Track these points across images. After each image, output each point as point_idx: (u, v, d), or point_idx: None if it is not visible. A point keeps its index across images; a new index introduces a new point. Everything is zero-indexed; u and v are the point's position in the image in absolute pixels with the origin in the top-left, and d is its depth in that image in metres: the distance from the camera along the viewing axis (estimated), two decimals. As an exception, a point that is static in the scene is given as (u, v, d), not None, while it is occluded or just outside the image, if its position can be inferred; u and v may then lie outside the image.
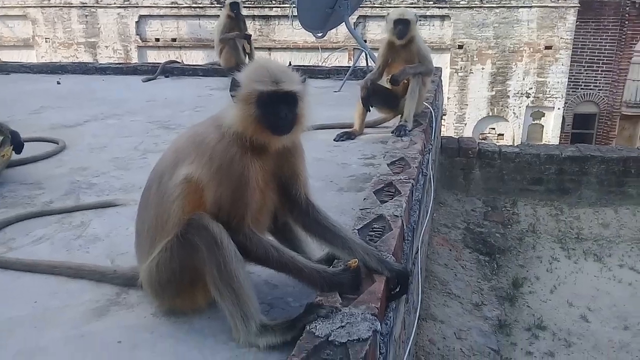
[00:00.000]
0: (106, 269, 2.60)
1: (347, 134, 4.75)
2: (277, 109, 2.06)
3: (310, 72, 7.82)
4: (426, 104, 5.01)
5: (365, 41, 14.07)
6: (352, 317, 1.96)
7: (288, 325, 2.02)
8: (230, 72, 7.61)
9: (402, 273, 2.27)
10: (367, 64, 6.68)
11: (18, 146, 3.94)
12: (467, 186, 7.06)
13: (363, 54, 6.76)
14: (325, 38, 13.72)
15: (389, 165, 3.58)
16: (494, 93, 14.94)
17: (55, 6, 16.42)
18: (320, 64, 9.16)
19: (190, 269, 2.09)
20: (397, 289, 2.28)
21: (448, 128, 15.14)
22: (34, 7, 16.54)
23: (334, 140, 4.67)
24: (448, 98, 15.12)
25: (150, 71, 8.03)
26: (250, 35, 7.89)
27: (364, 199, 3.10)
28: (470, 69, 14.88)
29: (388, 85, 4.82)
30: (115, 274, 2.55)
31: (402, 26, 4.53)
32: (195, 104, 6.20)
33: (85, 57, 16.22)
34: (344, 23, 6.85)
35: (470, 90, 15.06)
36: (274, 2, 15.11)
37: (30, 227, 3.16)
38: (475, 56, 14.75)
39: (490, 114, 15.11)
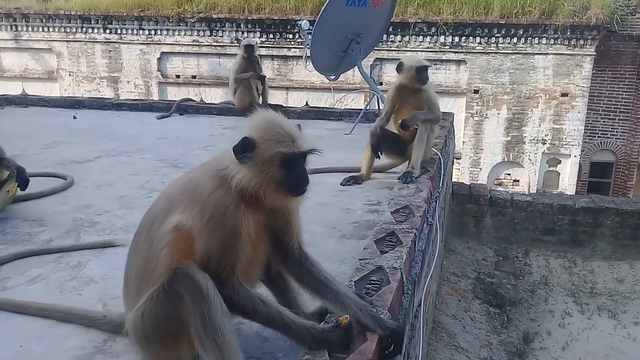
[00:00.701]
0: (95, 314, 2.55)
1: (354, 179, 4.71)
2: (299, 169, 2.06)
3: (322, 114, 7.87)
4: (435, 150, 4.97)
5: (382, 83, 14.19)
6: (339, 379, 1.88)
7: None
8: (244, 112, 7.69)
9: (395, 332, 2.20)
10: (378, 107, 6.68)
11: (23, 182, 3.95)
12: (478, 234, 6.94)
13: (375, 97, 6.77)
14: (341, 79, 13.87)
15: (392, 214, 3.52)
16: (509, 138, 14.85)
17: (80, 41, 16.82)
18: (333, 106, 9.19)
19: (175, 320, 2.02)
20: (391, 349, 2.20)
21: (463, 172, 15.03)
22: (60, 41, 16.96)
23: (341, 184, 4.62)
24: (463, 142, 15.07)
25: (165, 108, 8.11)
26: (265, 77, 7.97)
27: (364, 248, 3.03)
28: (486, 114, 14.85)
29: (396, 131, 4.80)
30: (104, 319, 2.50)
31: (425, 72, 4.55)
32: (206, 143, 6.22)
33: (107, 92, 16.52)
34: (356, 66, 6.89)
35: (485, 135, 14.99)
36: (292, 42, 15.34)
37: (27, 266, 3.13)
38: (490, 101, 14.74)
39: (506, 160, 14.99)
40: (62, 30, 16.86)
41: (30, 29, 17.00)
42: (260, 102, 7.86)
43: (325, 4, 6.48)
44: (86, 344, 2.37)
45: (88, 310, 2.58)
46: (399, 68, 4.62)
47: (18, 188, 3.93)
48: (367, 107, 7.08)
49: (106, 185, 4.67)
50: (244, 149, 2.01)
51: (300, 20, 8.04)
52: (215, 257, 2.03)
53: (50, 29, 16.90)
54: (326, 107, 9.04)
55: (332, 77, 7.05)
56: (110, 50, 16.80)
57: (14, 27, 17.11)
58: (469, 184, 7.63)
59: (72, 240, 3.50)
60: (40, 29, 16.97)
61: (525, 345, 5.38)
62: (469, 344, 5.16)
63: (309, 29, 6.95)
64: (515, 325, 5.67)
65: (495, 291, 6.09)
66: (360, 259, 2.87)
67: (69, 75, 17.16)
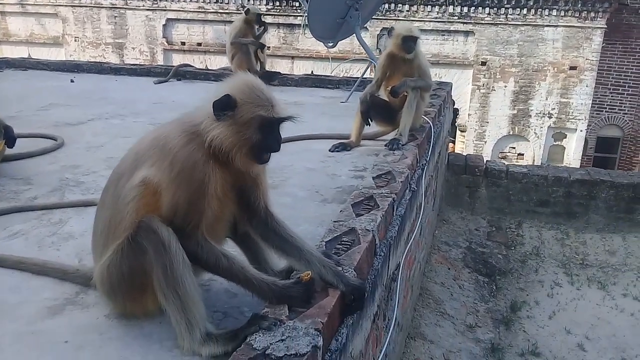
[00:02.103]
0: (69, 267, 2.61)
1: (343, 145, 4.71)
2: (275, 134, 2.09)
3: (320, 82, 7.83)
4: (426, 119, 4.94)
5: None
6: (294, 331, 1.92)
7: (231, 336, 2.01)
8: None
9: (358, 288, 2.24)
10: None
11: (11, 140, 3.99)
12: (472, 205, 6.94)
13: (372, 65, 6.71)
14: (347, 48, 13.73)
15: (374, 179, 3.53)
16: (515, 112, 14.73)
17: (86, 6, 16.75)
18: (330, 75, 9.13)
19: (139, 272, 2.07)
20: (352, 304, 2.24)
21: (468, 145, 14.97)
22: (65, 5, 16.89)
23: (329, 150, 4.63)
24: (469, 115, 14.97)
25: (163, 73, 8.10)
26: (263, 45, 7.88)
27: (341, 211, 3.06)
28: (493, 87, 14.71)
29: (387, 98, 4.78)
30: (77, 272, 2.55)
31: (412, 42, 4.49)
32: (200, 108, 6.23)
33: (112, 58, 16.49)
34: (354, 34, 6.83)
35: (491, 108, 14.87)
36: (298, 10, 15.18)
37: (10, 222, 3.18)
38: (498, 73, 14.58)
39: (511, 133, 14.89)
40: (67, -6, 16.81)
41: (35, -8, 16.95)
42: (259, 68, 7.82)
43: (324, -31, 6.40)
44: (58, 296, 2.43)
45: (63, 264, 2.64)
46: (389, 34, 4.60)
47: (5, 146, 3.97)
48: (364, 76, 7.02)
49: (96, 147, 4.70)
50: (224, 106, 2.03)
51: (301, -14, 7.94)
52: (181, 210, 2.06)
53: (55, -7, 16.85)
54: (324, 75, 8.99)
55: (330, 44, 6.99)
56: (115, 16, 16.73)
57: (19, -10, 17.05)
58: (465, 155, 7.61)
59: (56, 199, 3.55)
60: (45, -7, 16.91)
61: (512, 314, 5.43)
62: (455, 310, 5.21)
63: (308, -5, 6.87)
64: (504, 294, 5.71)
65: (486, 260, 6.13)
66: (334, 221, 2.89)
67: (75, 40, 17.13)
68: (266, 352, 1.82)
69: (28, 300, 2.40)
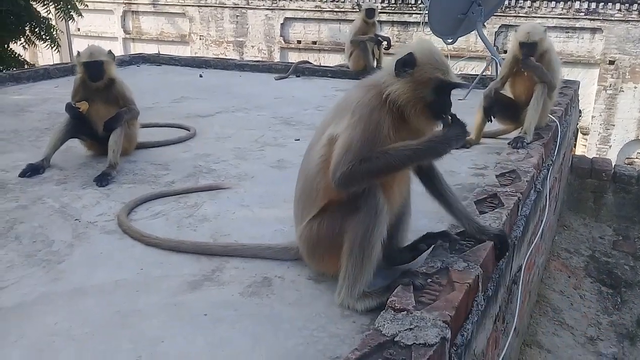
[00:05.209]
0: (261, 245, 2.81)
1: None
2: (447, 98, 2.24)
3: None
4: (552, 117, 4.74)
5: (506, 52, 13.56)
6: (422, 321, 1.94)
7: (384, 290, 2.22)
8: (358, 75, 7.74)
9: (498, 235, 2.51)
10: (496, 73, 6.44)
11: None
12: (597, 211, 6.54)
13: (494, 62, 6.53)
14: (462, 46, 13.41)
15: (497, 177, 3.45)
16: (646, 115, 13.67)
17: (211, 6, 17.69)
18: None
19: (340, 230, 2.25)
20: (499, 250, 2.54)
21: (590, 149, 14.10)
22: (192, 6, 17.95)
23: (448, 147, 4.57)
24: (592, 117, 14.09)
25: (283, 70, 8.38)
26: (381, 42, 7.92)
27: (464, 208, 3.02)
28: (621, 87, 13.74)
29: (511, 95, 4.64)
30: (269, 248, 2.77)
31: (527, 49, 4.32)
32: (319, 104, 6.39)
33: (233, 55, 17.31)
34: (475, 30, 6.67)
35: (618, 110, 13.90)
36: (413, 8, 15.06)
37: (152, 203, 3.47)
38: (627, 73, 13.59)
39: (640, 138, 13.85)
40: (198, -5, 17.82)
41: (166, -6, 18.14)
42: (375, 65, 7.87)
43: (447, -36, 6.32)
44: (197, 272, 2.62)
45: (255, 244, 2.84)
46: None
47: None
48: (484, 72, 6.84)
49: (224, 137, 4.98)
50: (406, 63, 2.19)
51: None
52: (356, 145, 2.16)
53: (184, -6, 17.93)
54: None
55: (450, 40, 6.87)
56: (237, 15, 17.51)
57: (152, -8, 18.32)
58: (591, 158, 7.17)
59: (191, 184, 3.82)
60: (176, -6, 18.04)
61: (638, 329, 5.06)
62: (575, 321, 4.96)
63: (428, -9, 6.81)
64: (630, 308, 5.33)
65: (611, 271, 5.75)
66: (458, 218, 2.87)
67: (200, 39, 18.15)
68: (395, 339, 1.86)
69: (170, 275, 2.61)
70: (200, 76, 8.11)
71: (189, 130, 5.02)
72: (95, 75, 4.12)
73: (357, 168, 2.14)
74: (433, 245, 2.49)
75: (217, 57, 15.10)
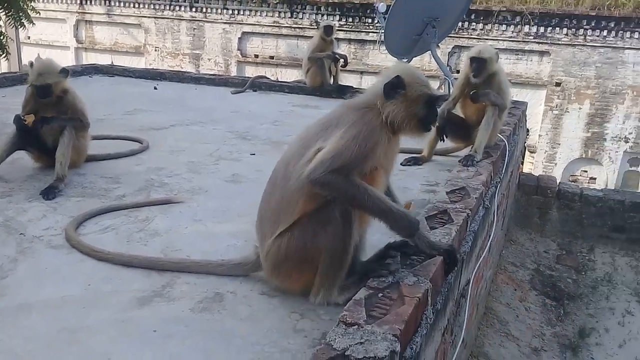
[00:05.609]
0: (213, 261, 2.78)
1: (415, 160, 4.75)
2: (435, 110, 2.56)
3: (392, 97, 7.86)
4: (501, 137, 4.90)
5: (459, 72, 13.94)
6: (372, 335, 1.97)
7: (359, 279, 2.38)
8: (314, 92, 7.83)
9: (447, 250, 2.59)
10: (449, 92, 6.63)
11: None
12: (542, 226, 6.77)
13: (447, 82, 6.72)
14: (417, 65, 13.70)
15: (447, 193, 3.55)
16: (589, 135, 14.23)
17: (168, 18, 17.51)
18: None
19: (313, 243, 2.34)
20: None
21: (537, 166, 14.56)
22: (149, 17, 17.74)
23: (401, 164, 4.67)
24: (540, 136, 14.59)
25: (240, 84, 8.36)
26: (338, 59, 8.01)
27: (414, 224, 3.09)
28: (567, 108, 14.28)
29: (463, 115, 4.78)
30: (223, 262, 2.75)
31: (477, 64, 4.48)
32: (275, 118, 6.42)
33: (189, 68, 17.14)
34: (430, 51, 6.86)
35: (564, 130, 14.43)
36: (370, 27, 15.31)
37: (101, 217, 3.40)
38: (573, 95, 14.15)
39: (584, 156, 14.39)
40: (152, 6, 17.61)
41: (122, 4, 17.86)
42: (332, 82, 7.96)
43: (403, -14, 6.48)
44: (147, 288, 2.59)
45: (208, 260, 2.81)
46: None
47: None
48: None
49: (178, 151, 4.94)
50: (395, 86, 2.43)
51: (378, 3, 8.06)
52: (346, 156, 2.29)
53: (141, 5, 17.69)
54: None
55: (405, 60, 7.04)
56: (194, 28, 17.40)
57: (107, 1, 18.01)
58: (537, 175, 7.43)
59: (143, 198, 3.77)
60: (131, 5, 17.78)
61: (580, 340, 5.25)
62: (520, 332, 5.10)
63: (384, 12, 6.97)
64: (572, 320, 5.53)
65: (554, 284, 5.96)
66: (409, 233, 2.93)
67: (155, 50, 17.93)
68: (345, 353, 1.88)
69: (119, 290, 2.57)
70: (155, 88, 8.01)
71: (142, 143, 4.96)
72: (43, 96, 4.04)
73: (340, 178, 2.27)
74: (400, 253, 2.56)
75: (172, 69, 14.95)
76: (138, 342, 2.17)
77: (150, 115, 6.32)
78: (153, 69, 11.79)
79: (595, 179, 14.22)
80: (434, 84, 12.54)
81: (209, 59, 17.39)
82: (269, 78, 9.51)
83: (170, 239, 3.14)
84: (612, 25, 13.42)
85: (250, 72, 16.46)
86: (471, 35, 14.43)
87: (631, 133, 13.90)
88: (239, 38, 16.86)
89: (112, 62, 15.10)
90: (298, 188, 2.35)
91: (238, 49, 16.94)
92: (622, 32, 13.48)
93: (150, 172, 4.31)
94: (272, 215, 2.47)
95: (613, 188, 13.28)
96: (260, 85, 8.41)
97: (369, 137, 2.34)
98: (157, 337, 2.21)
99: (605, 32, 13.61)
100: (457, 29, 14.17)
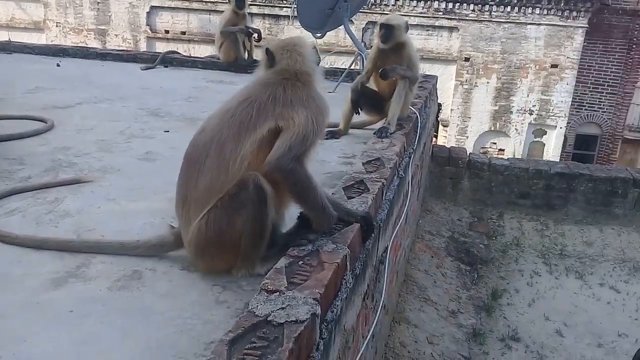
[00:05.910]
0: (129, 242, 2.65)
1: (332, 133, 4.80)
2: None
3: (308, 72, 7.87)
4: (413, 109, 5.05)
5: (372, 47, 14.16)
6: (293, 300, 2.00)
7: (280, 250, 2.38)
8: (229, 67, 7.69)
9: (364, 217, 2.67)
10: (362, 67, 6.72)
11: None
12: (455, 196, 7.09)
13: (360, 56, 6.81)
14: (332, 41, 13.78)
15: (363, 164, 3.62)
16: (497, 108, 14.97)
17: (68, -8, 16.57)
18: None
19: (233, 224, 2.31)
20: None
21: (450, 140, 15.17)
22: (47, -9, 16.70)
23: (319, 138, 4.70)
24: (452, 110, 15.17)
25: (150, 60, 8.08)
26: (252, 34, 7.91)
27: (332, 193, 3.14)
28: (476, 82, 14.92)
29: (376, 88, 4.88)
30: (138, 243, 2.62)
31: (385, 30, 4.60)
32: (188, 95, 6.26)
33: (94, 44, 16.33)
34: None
35: (473, 104, 15.09)
36: (284, 2, 15.20)
37: (6, 200, 3.20)
38: (481, 70, 14.79)
39: (493, 129, 15.14)
40: (50, -21, 16.59)
41: (17, -23, 16.69)
42: (246, 57, 7.86)
43: (314, -40, 6.47)
44: (60, 269, 2.47)
45: (123, 241, 2.67)
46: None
47: None
48: (351, 67, 7.11)
49: (86, 129, 4.72)
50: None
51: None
52: (302, 142, 2.29)
53: (38, -22, 16.61)
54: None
55: (318, 34, 7.05)
56: (98, 2, 16.57)
57: (0, -26, 16.76)
58: (448, 147, 7.75)
59: (50, 179, 3.58)
60: (28, -22, 16.65)
61: (493, 301, 5.58)
62: (438, 297, 5.35)
63: (297, -14, 6.93)
64: (485, 282, 5.87)
65: (468, 250, 6.28)
66: (327, 203, 2.97)
67: (56, 26, 16.93)
68: (268, 319, 1.90)
69: (30, 273, 2.44)
70: (58, 65, 7.58)
71: (46, 122, 4.68)
72: None
73: (302, 168, 2.31)
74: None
75: (76, 45, 14.20)
76: (54, 324, 2.08)
77: (53, 94, 5.98)
78: (55, 45, 11.14)
79: (503, 150, 15.01)
80: (350, 60, 12.70)
81: (116, 35, 16.66)
82: (180, 53, 9.24)
83: (82, 219, 3.01)
84: (515, 1, 14.07)
85: (161, 48, 15.91)
86: (384, 10, 14.68)
87: (535, 105, 14.75)
88: (147, 12, 16.24)
89: (9, 39, 14.14)
90: (240, 165, 2.29)
91: (147, 24, 16.34)
92: (524, 8, 14.18)
93: (57, 152, 4.09)
94: (202, 197, 2.35)
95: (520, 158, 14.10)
96: (171, 60, 8.16)
97: (325, 111, 2.41)
98: (73, 318, 2.13)
99: (509, 8, 14.26)
100: (370, 5, 14.37)
